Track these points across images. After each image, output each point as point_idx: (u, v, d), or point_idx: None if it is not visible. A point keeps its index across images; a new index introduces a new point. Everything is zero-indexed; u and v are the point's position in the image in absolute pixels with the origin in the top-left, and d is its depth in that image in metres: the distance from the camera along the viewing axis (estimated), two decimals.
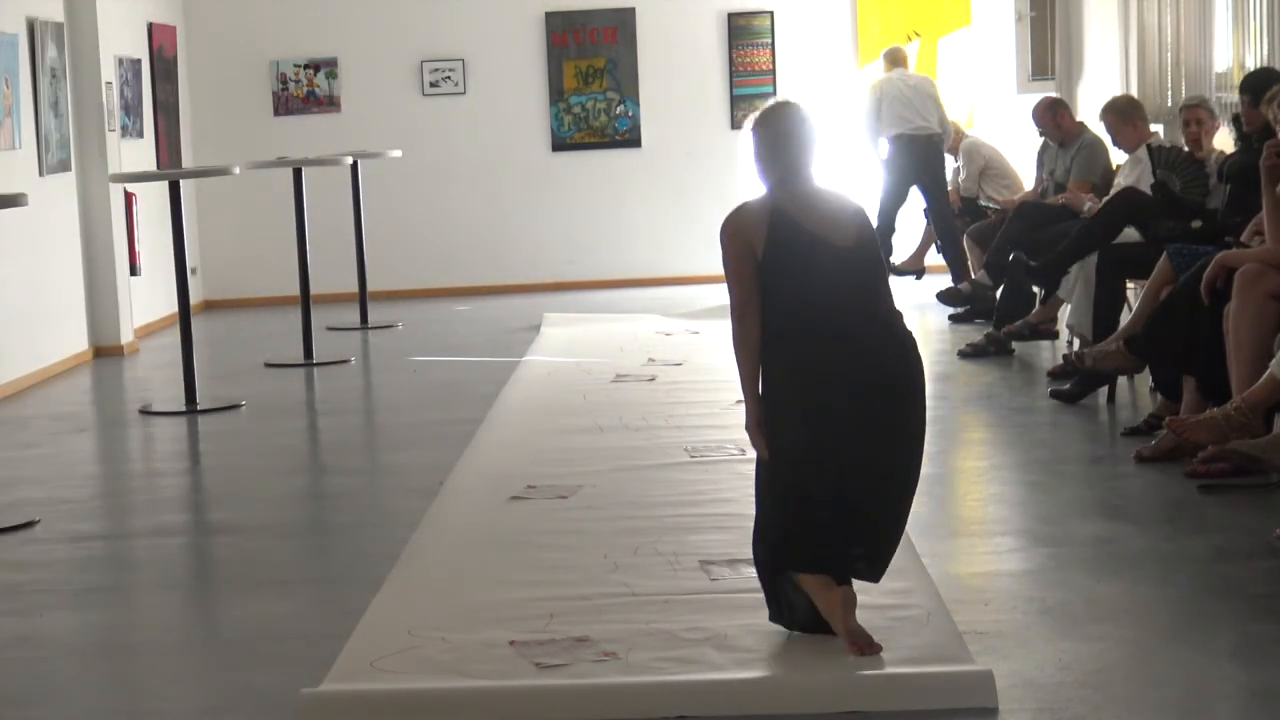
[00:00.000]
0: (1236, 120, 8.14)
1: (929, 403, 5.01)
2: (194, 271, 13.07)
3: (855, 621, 4.68)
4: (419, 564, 5.79)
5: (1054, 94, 11.64)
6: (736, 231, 4.81)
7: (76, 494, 7.34)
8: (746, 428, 4.84)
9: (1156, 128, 10.11)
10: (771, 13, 13.89)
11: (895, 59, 12.55)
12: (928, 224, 12.69)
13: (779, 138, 4.90)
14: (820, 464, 4.73)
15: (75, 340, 11.24)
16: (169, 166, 13.15)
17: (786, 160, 4.89)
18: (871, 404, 4.74)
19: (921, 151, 12.12)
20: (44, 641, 5.25)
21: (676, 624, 4.91)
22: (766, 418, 4.80)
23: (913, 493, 4.88)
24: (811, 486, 4.72)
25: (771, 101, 5.13)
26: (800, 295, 4.76)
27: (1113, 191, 9.67)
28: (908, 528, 5.92)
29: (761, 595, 4.99)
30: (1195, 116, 8.79)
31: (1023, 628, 4.90)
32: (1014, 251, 9.55)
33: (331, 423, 9.24)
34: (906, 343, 4.84)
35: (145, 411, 9.26)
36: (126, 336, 11.69)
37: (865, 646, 4.62)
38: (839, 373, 4.73)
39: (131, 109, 12.44)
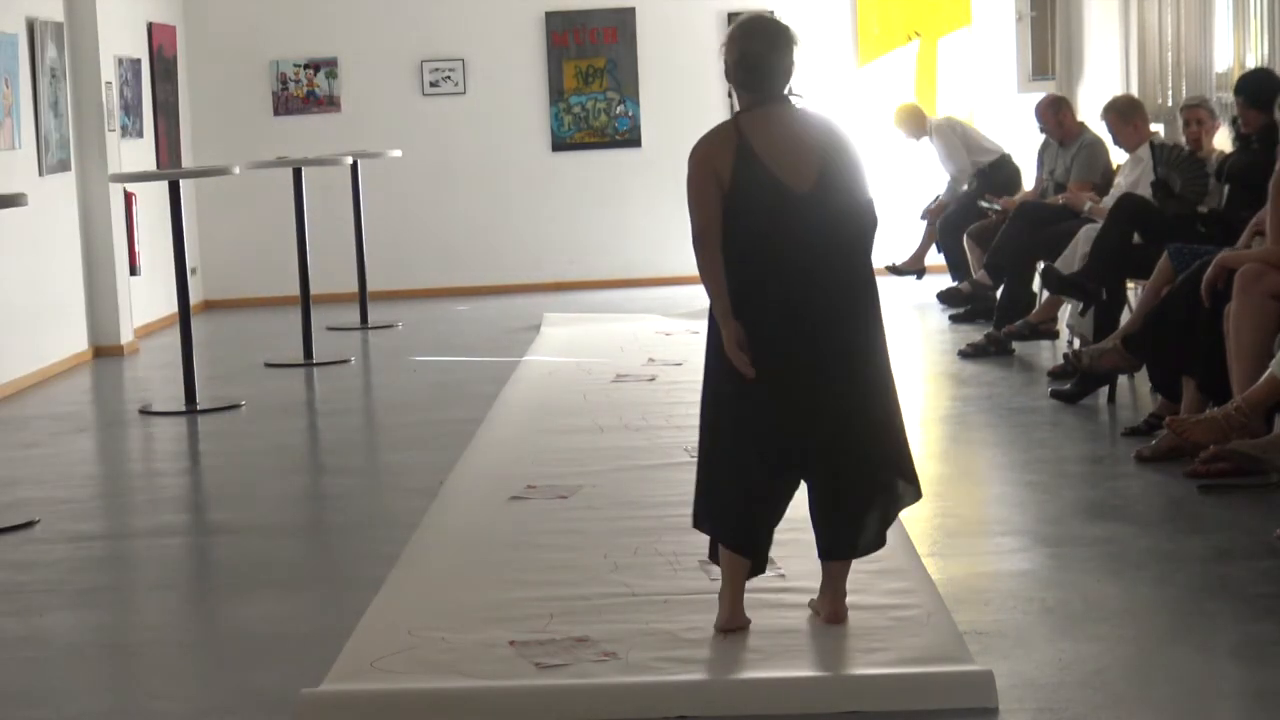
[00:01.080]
0: (1234, 122, 8.14)
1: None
2: (194, 271, 13.07)
3: (731, 622, 4.80)
4: (419, 564, 5.78)
5: (1056, 92, 11.64)
6: (704, 160, 4.73)
7: (76, 494, 7.33)
8: (725, 349, 4.77)
9: (1157, 128, 10.10)
10: (771, 13, 13.88)
11: (922, 115, 12.46)
12: (928, 224, 12.68)
13: (753, 58, 4.80)
14: (761, 447, 4.74)
15: (75, 340, 11.24)
16: (169, 166, 13.14)
17: (758, 82, 4.79)
18: (822, 372, 4.71)
19: (1014, 173, 11.93)
20: (44, 641, 5.25)
21: (676, 624, 4.91)
22: (716, 381, 4.80)
23: (891, 462, 4.85)
24: (750, 471, 4.76)
25: (749, 16, 4.96)
26: (754, 242, 4.70)
27: (1111, 194, 9.67)
28: (907, 528, 5.94)
29: (761, 596, 5.01)
30: (1196, 116, 8.79)
31: (1023, 628, 4.90)
32: (1046, 262, 9.35)
33: (331, 423, 9.23)
34: (861, 309, 4.74)
35: (145, 411, 9.26)
36: (126, 336, 11.69)
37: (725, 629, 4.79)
38: (787, 338, 4.70)
39: (131, 109, 12.44)
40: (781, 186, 4.69)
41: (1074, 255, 8.89)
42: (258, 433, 8.66)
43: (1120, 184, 9.59)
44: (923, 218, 12.55)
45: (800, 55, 4.89)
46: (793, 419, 4.73)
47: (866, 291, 4.79)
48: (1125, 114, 9.51)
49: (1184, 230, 8.02)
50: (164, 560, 6.31)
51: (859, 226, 4.77)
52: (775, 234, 4.70)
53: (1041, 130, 10.80)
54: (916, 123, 12.32)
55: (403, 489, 7.17)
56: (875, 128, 14.09)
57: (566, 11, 14.11)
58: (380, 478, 7.75)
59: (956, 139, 12.07)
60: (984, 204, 11.76)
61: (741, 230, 4.71)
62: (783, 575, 5.28)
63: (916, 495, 4.95)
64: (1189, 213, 8.23)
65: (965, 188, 12.06)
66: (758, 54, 4.81)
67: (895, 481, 4.87)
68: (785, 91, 4.83)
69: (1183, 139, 8.90)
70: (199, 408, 9.15)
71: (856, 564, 5.47)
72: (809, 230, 4.70)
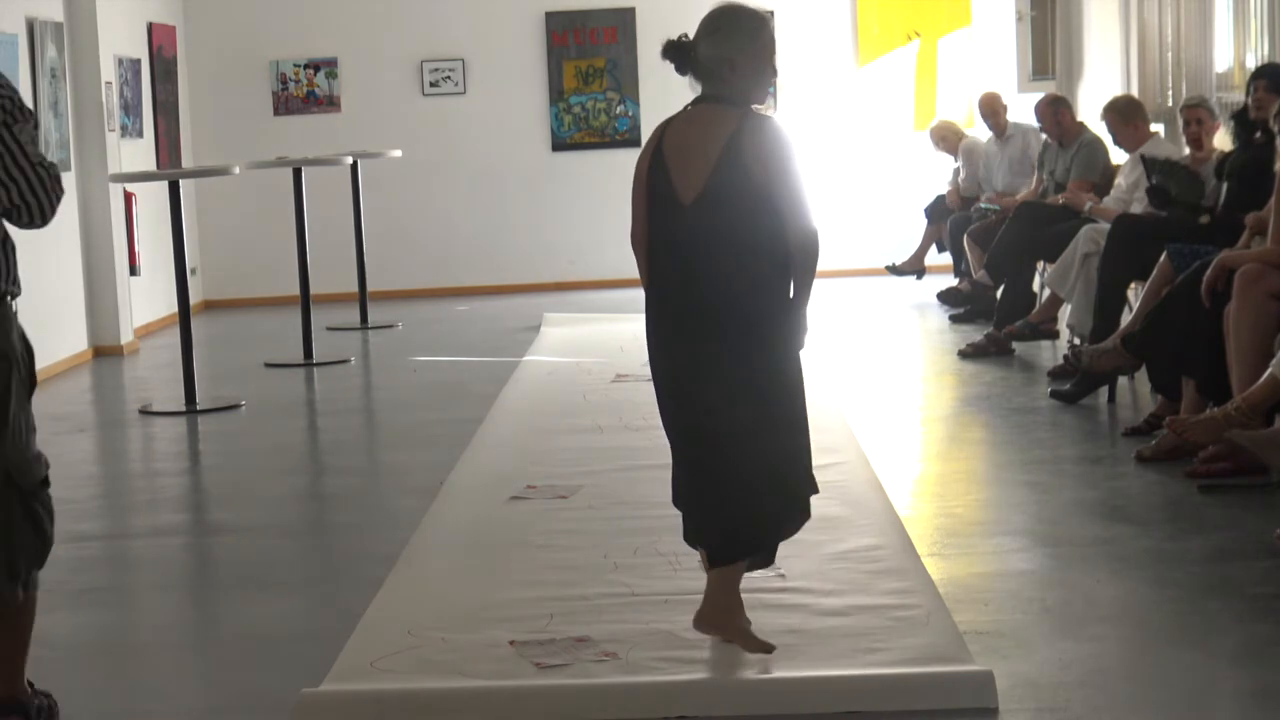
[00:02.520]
0: (1236, 118, 8.12)
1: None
2: (194, 271, 13.07)
3: (730, 622, 4.64)
4: (419, 564, 5.78)
5: (1057, 92, 11.63)
6: (637, 164, 4.66)
7: (76, 494, 7.32)
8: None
9: (1157, 128, 10.10)
10: (771, 12, 13.82)
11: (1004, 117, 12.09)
12: (928, 224, 12.70)
13: (704, 56, 4.60)
14: (671, 437, 4.72)
15: (75, 340, 11.24)
16: (169, 166, 13.15)
17: (693, 77, 4.63)
18: (692, 395, 4.60)
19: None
20: (44, 641, 5.23)
21: (676, 624, 4.91)
22: None
23: (757, 491, 4.62)
24: (675, 457, 4.75)
25: (725, 5, 4.70)
26: (654, 250, 4.62)
27: (1112, 194, 9.67)
28: (907, 528, 5.94)
29: (761, 596, 5.01)
30: (1196, 116, 8.78)
31: (1023, 628, 4.89)
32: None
33: (331, 423, 9.23)
34: (739, 332, 4.50)
35: (145, 411, 9.26)
36: (126, 336, 11.69)
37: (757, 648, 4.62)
38: (666, 342, 4.62)
39: (131, 109, 12.44)
40: (673, 194, 4.54)
41: (1074, 255, 8.89)
42: (258, 433, 8.66)
43: (1120, 184, 9.59)
44: (928, 216, 12.55)
45: (753, 48, 4.58)
46: (678, 420, 4.67)
47: (749, 313, 4.52)
48: (1125, 114, 9.51)
49: (1184, 230, 8.02)
50: (164, 560, 6.31)
51: (749, 246, 4.49)
52: (666, 244, 4.58)
53: (1041, 130, 10.80)
54: (998, 120, 12.02)
55: (403, 489, 7.17)
56: (874, 129, 14.12)
57: (566, 11, 14.12)
58: (380, 478, 7.75)
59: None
60: (983, 204, 11.76)
61: (650, 237, 4.64)
62: (783, 575, 5.28)
63: (795, 523, 4.74)
64: (1194, 205, 8.23)
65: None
66: (694, 44, 4.65)
67: (764, 508, 4.64)
68: (714, 88, 4.59)
69: (1183, 139, 8.90)
70: (199, 408, 9.15)
71: (856, 564, 5.47)
72: (689, 245, 4.54)
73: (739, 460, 4.60)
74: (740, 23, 4.62)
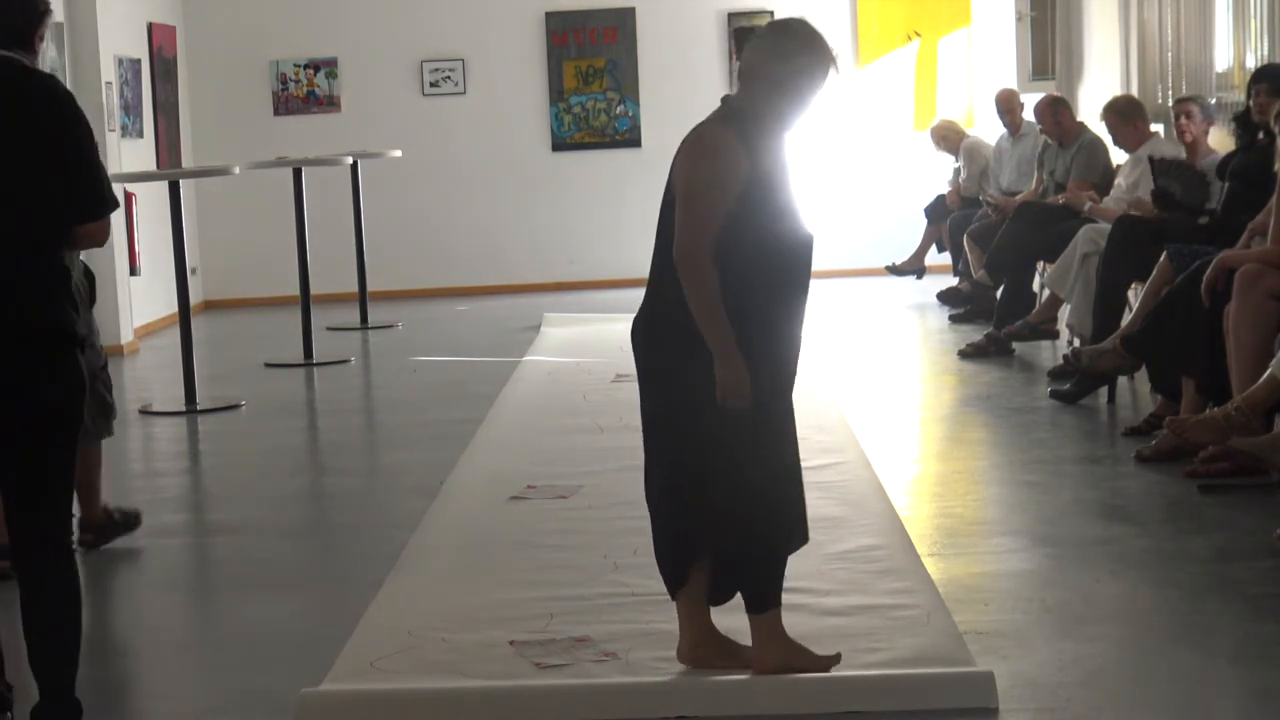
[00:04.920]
0: (1238, 120, 8.12)
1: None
2: (194, 271, 13.05)
3: (704, 656, 4.55)
4: (419, 564, 5.78)
5: (1056, 93, 11.62)
6: None
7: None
8: None
9: (1157, 128, 10.10)
10: (771, 12, 13.86)
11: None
12: (928, 224, 12.70)
13: (743, 57, 4.47)
14: None
15: None
16: (169, 166, 13.14)
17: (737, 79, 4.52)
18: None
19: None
20: None
21: (676, 624, 4.90)
22: None
23: (670, 498, 4.50)
24: None
25: (789, 18, 4.49)
26: None
27: (1112, 194, 9.67)
28: (907, 528, 5.94)
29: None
30: (1185, 110, 8.79)
31: (1023, 628, 4.90)
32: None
33: (331, 423, 9.23)
34: (651, 345, 4.41)
35: (145, 411, 9.26)
36: (126, 336, 11.69)
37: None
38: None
39: (131, 109, 12.44)
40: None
41: (1074, 255, 8.89)
42: (258, 433, 8.66)
43: (1120, 184, 9.59)
44: (928, 216, 12.56)
45: (776, 63, 4.30)
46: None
47: (657, 325, 4.40)
48: (1125, 114, 9.51)
49: (1184, 230, 8.01)
50: (164, 560, 6.31)
51: (669, 255, 4.32)
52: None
53: (1040, 131, 10.80)
54: (1014, 117, 11.97)
55: (403, 489, 7.17)
56: (874, 129, 14.11)
57: (566, 11, 14.11)
58: (380, 478, 7.75)
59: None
60: (983, 199, 11.75)
61: None
62: None
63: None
64: (1198, 206, 8.23)
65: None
66: (742, 56, 4.53)
67: (691, 535, 4.52)
68: (733, 94, 4.47)
69: (1174, 134, 8.89)
70: (199, 408, 9.15)
71: (856, 564, 5.48)
72: (657, 249, 4.45)
73: (665, 474, 4.51)
74: (777, 37, 4.39)
